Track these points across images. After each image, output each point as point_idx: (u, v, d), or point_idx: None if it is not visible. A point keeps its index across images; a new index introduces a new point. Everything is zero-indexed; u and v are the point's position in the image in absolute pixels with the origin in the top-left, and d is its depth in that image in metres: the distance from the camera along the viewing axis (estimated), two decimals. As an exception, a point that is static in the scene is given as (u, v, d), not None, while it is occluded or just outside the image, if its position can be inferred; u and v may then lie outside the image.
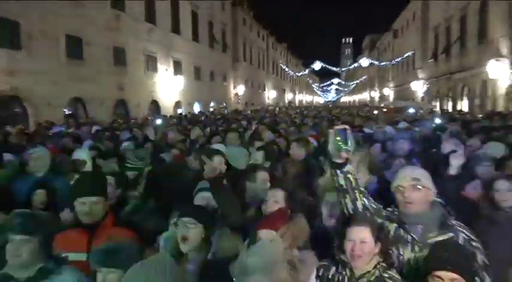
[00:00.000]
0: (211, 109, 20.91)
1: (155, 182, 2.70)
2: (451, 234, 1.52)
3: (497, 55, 13.32)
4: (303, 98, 64.01)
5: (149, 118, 12.40)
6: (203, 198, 2.06)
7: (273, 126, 7.50)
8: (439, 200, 1.65)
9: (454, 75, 18.56)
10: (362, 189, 1.62)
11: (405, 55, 28.03)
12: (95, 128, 7.60)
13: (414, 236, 1.55)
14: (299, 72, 49.58)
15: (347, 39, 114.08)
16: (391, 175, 2.18)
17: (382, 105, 26.36)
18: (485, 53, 14.22)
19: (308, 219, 1.82)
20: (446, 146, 3.08)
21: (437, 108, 18.46)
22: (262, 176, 2.42)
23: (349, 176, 1.57)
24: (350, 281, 1.48)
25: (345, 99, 73.11)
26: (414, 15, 26.72)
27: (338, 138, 1.51)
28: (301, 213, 1.82)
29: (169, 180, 2.75)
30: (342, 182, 1.58)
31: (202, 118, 12.21)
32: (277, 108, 22.99)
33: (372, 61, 37.84)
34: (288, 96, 50.44)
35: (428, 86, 23.69)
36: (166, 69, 17.93)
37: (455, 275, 1.28)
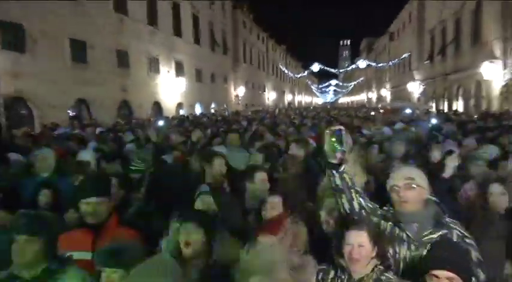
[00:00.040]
0: (212, 110, 21.16)
1: (157, 184, 2.75)
2: (445, 232, 1.55)
3: (491, 57, 13.59)
4: (302, 99, 64.29)
5: (152, 119, 12.62)
6: (204, 202, 2.12)
7: (272, 127, 7.64)
8: (433, 198, 1.69)
9: (449, 76, 18.80)
10: (358, 189, 1.66)
11: (402, 57, 28.36)
12: (98, 130, 7.70)
13: (409, 234, 1.58)
14: (298, 73, 49.92)
15: (345, 42, 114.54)
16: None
17: (379, 105, 26.64)
18: (480, 55, 14.48)
19: (308, 223, 1.87)
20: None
21: (433, 109, 18.66)
22: (261, 176, 2.47)
23: (345, 176, 1.60)
24: None
25: (343, 100, 73.40)
26: (410, 18, 27.09)
27: (333, 139, 1.53)
28: (301, 217, 1.87)
29: (171, 181, 2.78)
30: (338, 182, 1.61)
31: (204, 119, 12.36)
32: (277, 110, 23.26)
33: (369, 63, 38.23)
34: (288, 97, 50.71)
35: (424, 86, 23.94)
36: (168, 71, 18.12)
37: (451, 274, 1.31)
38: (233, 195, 2.48)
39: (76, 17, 11.73)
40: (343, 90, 66.86)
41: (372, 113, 15.49)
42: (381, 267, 1.52)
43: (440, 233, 1.55)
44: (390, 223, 1.64)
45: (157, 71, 17.17)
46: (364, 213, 1.63)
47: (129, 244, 1.63)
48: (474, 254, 1.51)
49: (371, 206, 1.67)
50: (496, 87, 13.58)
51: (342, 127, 1.57)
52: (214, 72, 24.26)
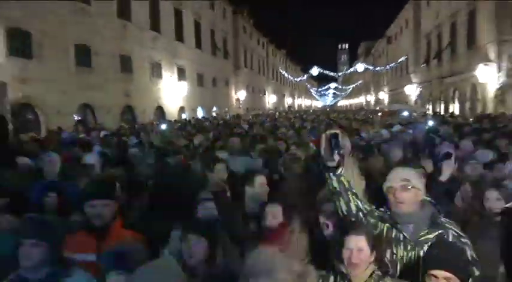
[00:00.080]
0: (214, 114, 21.41)
1: (160, 187, 2.80)
2: (441, 232, 1.58)
3: (486, 60, 13.84)
4: (302, 102, 64.67)
5: (155, 123, 12.83)
6: (206, 208, 2.15)
7: (273, 130, 7.80)
8: (428, 199, 1.71)
9: (445, 80, 19.06)
10: (355, 191, 1.68)
11: (399, 60, 28.72)
12: (102, 133, 7.91)
13: (406, 235, 1.60)
14: (298, 77, 50.25)
15: (343, 46, 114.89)
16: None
17: (377, 108, 26.95)
18: (475, 58, 14.73)
19: (309, 230, 1.90)
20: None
21: (430, 111, 18.93)
22: (260, 180, 2.49)
23: (342, 178, 1.62)
24: None
25: (342, 103, 73.79)
26: (407, 22, 27.54)
27: (330, 142, 1.56)
28: (301, 218, 1.90)
29: (174, 184, 2.78)
30: (336, 184, 1.64)
31: (206, 123, 12.56)
32: (277, 113, 23.52)
33: (367, 66, 38.64)
34: (288, 100, 51.03)
35: (421, 89, 24.24)
36: (171, 76, 18.40)
37: (448, 274, 1.35)
38: (234, 200, 2.53)
39: (81, 23, 11.99)
40: (342, 93, 67.16)
41: (370, 116, 15.73)
42: (379, 272, 1.54)
43: (436, 233, 1.58)
44: (387, 225, 1.66)
45: (159, 75, 17.42)
46: (361, 215, 1.65)
47: (134, 247, 1.67)
48: (469, 253, 1.54)
49: (368, 208, 1.70)
50: (491, 90, 13.81)
51: (338, 130, 1.62)
52: (215, 76, 24.57)
